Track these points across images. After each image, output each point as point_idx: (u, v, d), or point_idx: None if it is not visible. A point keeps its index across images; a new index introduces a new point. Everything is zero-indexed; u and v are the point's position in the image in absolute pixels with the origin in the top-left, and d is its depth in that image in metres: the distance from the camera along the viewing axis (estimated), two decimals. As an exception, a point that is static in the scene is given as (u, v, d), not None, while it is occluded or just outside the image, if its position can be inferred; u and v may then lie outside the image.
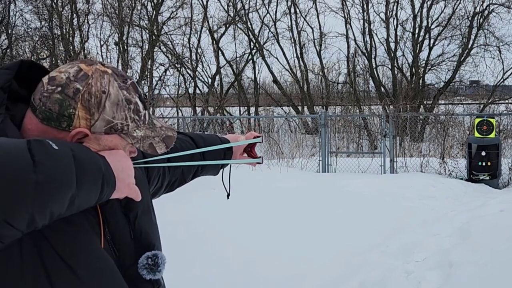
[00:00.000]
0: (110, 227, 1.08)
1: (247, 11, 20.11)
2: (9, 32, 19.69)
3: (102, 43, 19.47)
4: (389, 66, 19.37)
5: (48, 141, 0.87)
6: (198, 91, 21.30)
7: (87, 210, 1.03)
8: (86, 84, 0.99)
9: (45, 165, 0.82)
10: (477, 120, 8.65)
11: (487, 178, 8.34)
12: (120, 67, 18.25)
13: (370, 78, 19.62)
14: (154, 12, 19.56)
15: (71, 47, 19.09)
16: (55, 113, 0.98)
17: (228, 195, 1.59)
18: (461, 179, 8.57)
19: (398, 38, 19.02)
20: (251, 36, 20.26)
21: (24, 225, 0.82)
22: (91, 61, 1.05)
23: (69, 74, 1.00)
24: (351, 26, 19.31)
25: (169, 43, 19.98)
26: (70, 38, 19.75)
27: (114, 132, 1.02)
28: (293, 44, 20.29)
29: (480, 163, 8.33)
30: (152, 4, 19.71)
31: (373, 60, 19.15)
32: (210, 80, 21.26)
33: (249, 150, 1.63)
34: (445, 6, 18.37)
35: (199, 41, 20.71)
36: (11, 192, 0.79)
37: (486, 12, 17.83)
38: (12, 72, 1.03)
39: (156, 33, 19.31)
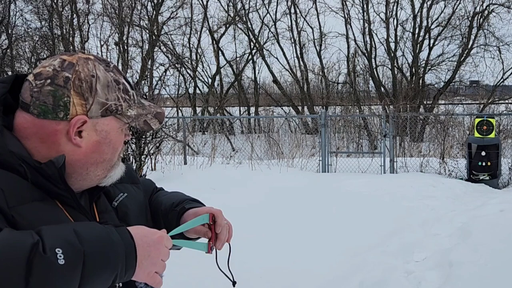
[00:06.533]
0: None
1: (247, 11, 20.13)
2: (9, 32, 19.69)
3: (102, 43, 19.52)
4: (389, 66, 19.37)
5: (59, 250, 0.82)
6: (198, 91, 21.34)
7: (87, 218, 1.03)
8: (74, 71, 1.00)
9: None
10: (477, 120, 8.65)
11: (487, 178, 8.34)
12: (120, 67, 18.29)
13: (370, 78, 19.64)
14: (154, 12, 19.58)
15: (71, 47, 19.09)
16: (50, 105, 0.98)
17: (234, 283, 1.33)
18: (461, 179, 8.57)
19: (398, 38, 19.04)
20: (251, 36, 20.27)
21: None
22: (71, 52, 1.07)
23: (54, 66, 1.01)
24: (351, 26, 19.34)
25: (169, 43, 20.03)
26: (70, 38, 19.78)
27: (109, 114, 1.03)
28: (293, 44, 20.32)
29: (480, 163, 8.33)
30: (152, 4, 19.73)
31: (373, 60, 19.15)
32: (210, 80, 21.29)
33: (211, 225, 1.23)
34: (445, 6, 18.41)
35: (199, 41, 20.75)
36: None
37: (486, 12, 17.84)
38: (7, 85, 1.03)
39: (156, 33, 19.33)
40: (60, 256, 0.81)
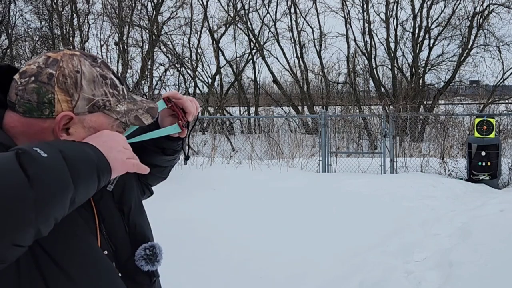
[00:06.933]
0: (105, 223, 1.09)
1: (247, 11, 20.12)
2: (9, 32, 19.69)
3: (102, 43, 19.48)
4: (389, 66, 19.37)
5: (36, 148, 0.84)
6: (198, 91, 21.32)
7: (82, 207, 1.03)
8: (58, 68, 0.99)
9: (39, 178, 0.80)
10: (477, 120, 8.65)
11: (487, 178, 8.34)
12: (120, 67, 18.32)
13: (370, 78, 19.63)
14: (154, 12, 19.57)
15: (71, 47, 19.06)
16: (34, 102, 0.97)
17: (186, 158, 1.41)
18: (461, 179, 8.57)
19: (398, 38, 19.04)
20: (251, 36, 20.26)
21: (31, 239, 0.81)
22: (57, 49, 1.05)
23: (38, 63, 1.00)
24: (351, 26, 19.34)
25: (169, 43, 20.01)
26: (70, 38, 19.76)
27: (97, 110, 1.01)
28: (293, 44, 20.32)
29: (480, 163, 8.33)
30: (152, 4, 19.72)
31: (373, 60, 19.15)
32: (210, 80, 21.28)
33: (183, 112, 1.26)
34: (445, 6, 18.41)
35: (199, 41, 20.73)
36: (12, 214, 0.77)
37: (486, 12, 17.84)
38: None
39: (156, 33, 19.31)
40: (41, 151, 0.84)
